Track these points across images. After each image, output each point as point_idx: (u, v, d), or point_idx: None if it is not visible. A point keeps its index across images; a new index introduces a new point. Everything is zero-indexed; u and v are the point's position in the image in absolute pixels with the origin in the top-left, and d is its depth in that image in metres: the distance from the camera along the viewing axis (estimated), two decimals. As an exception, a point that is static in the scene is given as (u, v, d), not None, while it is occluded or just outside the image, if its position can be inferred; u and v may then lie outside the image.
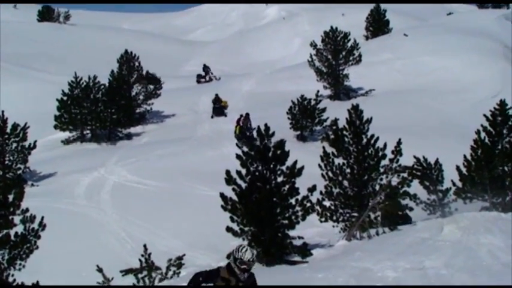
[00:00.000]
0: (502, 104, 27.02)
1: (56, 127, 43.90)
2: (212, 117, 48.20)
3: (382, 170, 25.10)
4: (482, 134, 27.09)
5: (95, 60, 64.74)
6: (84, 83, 44.74)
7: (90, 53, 72.01)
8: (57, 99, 44.06)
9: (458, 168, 27.38)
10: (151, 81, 52.04)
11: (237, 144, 38.75)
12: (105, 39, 78.89)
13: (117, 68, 49.71)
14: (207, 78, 62.86)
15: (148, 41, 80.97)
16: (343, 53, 51.91)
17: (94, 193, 31.94)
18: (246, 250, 9.64)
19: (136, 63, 50.15)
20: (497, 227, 22.28)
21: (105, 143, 43.99)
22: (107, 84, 46.74)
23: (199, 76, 63.25)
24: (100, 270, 19.34)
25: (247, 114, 42.20)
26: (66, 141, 43.88)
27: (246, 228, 20.82)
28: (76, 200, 31.06)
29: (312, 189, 21.21)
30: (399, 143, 25.07)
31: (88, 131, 44.88)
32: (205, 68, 63.76)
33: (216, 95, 49.24)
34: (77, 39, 77.40)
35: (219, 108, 48.81)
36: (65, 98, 44.29)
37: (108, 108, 44.91)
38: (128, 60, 50.05)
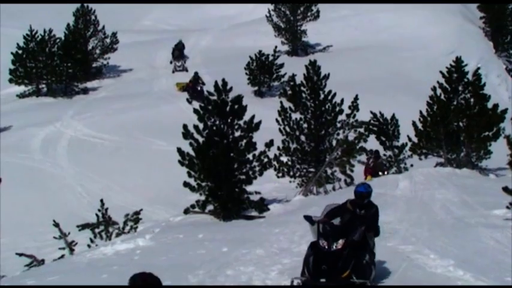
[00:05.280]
0: (458, 61, 27.33)
1: (10, 81, 43.26)
2: (190, 102, 37.65)
3: (339, 125, 25.35)
4: (438, 91, 27.40)
5: (50, 14, 63.62)
6: (40, 37, 44.13)
7: (44, 6, 70.84)
8: (11, 53, 43.37)
9: (414, 123, 27.69)
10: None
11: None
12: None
13: (73, 22, 48.97)
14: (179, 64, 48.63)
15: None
16: (301, 9, 51.80)
17: (50, 147, 31.68)
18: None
19: (93, 17, 49.45)
20: (451, 182, 22.65)
21: (61, 97, 43.36)
22: (63, 38, 46.11)
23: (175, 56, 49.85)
24: (56, 225, 19.25)
25: (377, 152, 27.86)
26: (22, 95, 43.19)
27: (203, 184, 20.82)
28: (32, 155, 30.79)
29: (270, 144, 21.27)
30: (356, 98, 25.34)
31: (44, 85, 44.27)
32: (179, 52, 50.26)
33: (196, 73, 40.66)
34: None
35: (200, 91, 37.49)
36: (20, 52, 43.67)
37: (64, 62, 44.26)
38: (83, 13, 49.32)
